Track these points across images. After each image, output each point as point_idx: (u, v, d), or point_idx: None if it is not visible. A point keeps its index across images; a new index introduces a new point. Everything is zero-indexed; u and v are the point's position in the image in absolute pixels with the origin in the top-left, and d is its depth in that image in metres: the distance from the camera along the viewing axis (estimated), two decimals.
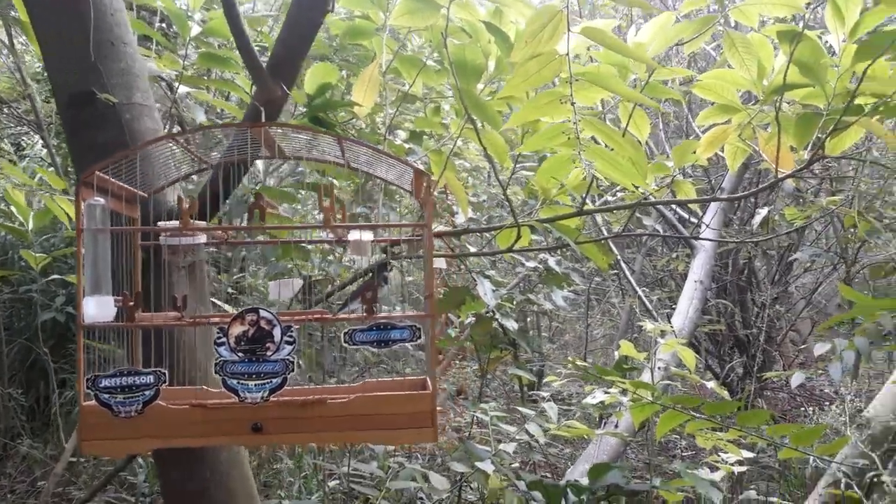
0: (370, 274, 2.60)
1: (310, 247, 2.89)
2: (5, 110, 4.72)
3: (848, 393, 2.80)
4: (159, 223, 1.37)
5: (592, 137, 1.76)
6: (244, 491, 1.74)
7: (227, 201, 1.66)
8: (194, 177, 1.49)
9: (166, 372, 1.14)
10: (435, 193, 3.12)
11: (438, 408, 1.19)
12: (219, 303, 2.40)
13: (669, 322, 3.53)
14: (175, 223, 1.32)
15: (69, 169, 4.58)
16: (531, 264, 3.19)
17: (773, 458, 3.94)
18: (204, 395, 1.22)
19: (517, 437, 2.74)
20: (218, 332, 1.14)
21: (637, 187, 1.96)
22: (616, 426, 3.13)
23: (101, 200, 1.17)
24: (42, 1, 1.61)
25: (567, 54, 1.39)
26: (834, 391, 5.42)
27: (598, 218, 3.60)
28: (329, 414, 1.17)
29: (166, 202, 1.58)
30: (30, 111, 4.05)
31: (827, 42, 2.05)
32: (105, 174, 1.21)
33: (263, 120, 1.30)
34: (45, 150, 5.11)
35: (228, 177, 1.50)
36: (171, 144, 1.24)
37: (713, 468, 2.63)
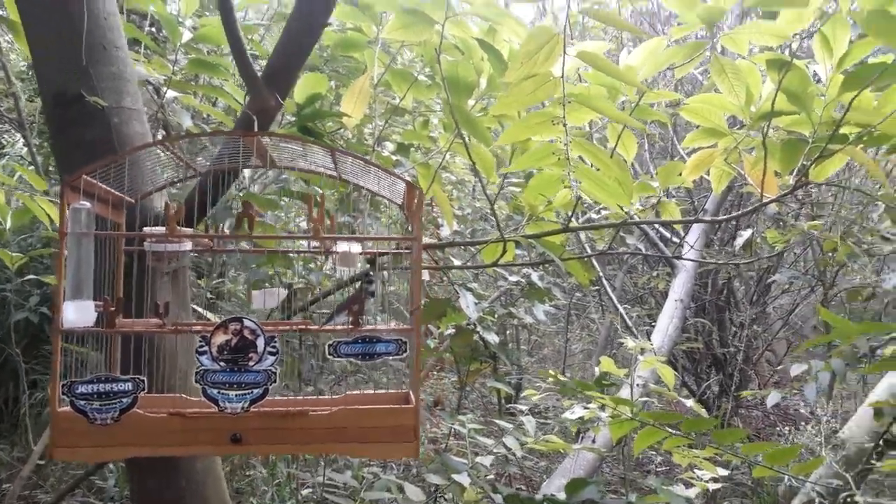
0: (355, 284, 2.60)
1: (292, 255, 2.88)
2: None
3: (824, 414, 2.83)
4: (144, 229, 1.36)
5: (580, 157, 1.77)
6: (218, 498, 1.73)
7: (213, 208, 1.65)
8: (179, 182, 1.47)
9: (145, 379, 1.13)
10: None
11: None
12: (199, 309, 2.38)
13: (649, 339, 3.55)
14: (161, 229, 1.31)
15: (50, 168, 4.53)
16: (514, 278, 3.19)
17: (747, 476, 3.97)
18: (183, 404, 1.21)
19: (494, 450, 2.74)
20: (200, 341, 1.13)
21: (622, 207, 1.98)
22: (593, 441, 3.14)
23: (87, 204, 1.16)
24: (35, 2, 1.60)
25: (562, 76, 1.40)
26: (809, 411, 5.48)
27: (582, 235, 3.62)
28: (310, 426, 1.16)
29: (152, 208, 1.57)
30: (12, 109, 4.00)
31: (814, 71, 2.09)
32: (92, 178, 1.19)
33: (256, 129, 1.29)
34: (25, 149, 5.05)
35: (216, 183, 1.50)
36: (159, 150, 1.23)
37: (688, 485, 2.65)
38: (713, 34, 1.96)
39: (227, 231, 1.41)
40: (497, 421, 2.99)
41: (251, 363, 1.13)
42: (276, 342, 1.14)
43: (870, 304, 4.77)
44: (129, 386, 1.12)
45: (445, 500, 3.18)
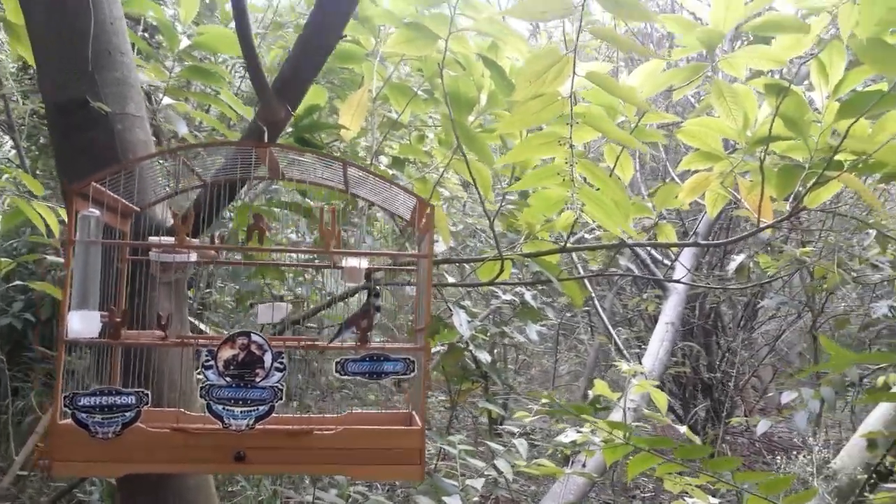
0: (347, 300, 2.58)
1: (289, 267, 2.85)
2: None
3: (816, 444, 2.83)
4: (150, 238, 1.33)
5: (582, 178, 1.77)
6: None
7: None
8: (185, 192, 1.45)
9: (149, 393, 1.10)
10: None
11: None
12: (195, 321, 2.35)
13: (640, 362, 3.55)
14: (168, 239, 1.29)
15: (38, 172, 4.48)
16: (507, 297, 3.18)
17: None
18: (185, 419, 1.18)
19: (486, 473, 2.71)
20: (206, 355, 1.10)
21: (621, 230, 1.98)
22: (583, 465, 3.11)
23: (96, 212, 1.13)
24: (39, 5, 1.58)
25: (571, 96, 1.40)
26: (794, 439, 5.48)
27: (575, 255, 3.63)
28: (314, 445, 1.13)
29: (154, 217, 1.54)
30: (1, 111, 3.95)
31: (810, 97, 2.10)
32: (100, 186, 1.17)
33: (266, 140, 1.28)
34: (13, 152, 4.99)
35: (219, 194, 1.48)
36: (162, 159, 1.22)
37: None
38: (712, 57, 1.97)
39: (217, 241, 1.39)
40: (488, 443, 2.96)
41: (258, 379, 1.11)
42: (283, 358, 1.12)
43: (853, 331, 4.81)
44: (132, 399, 1.09)
45: None
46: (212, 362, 1.10)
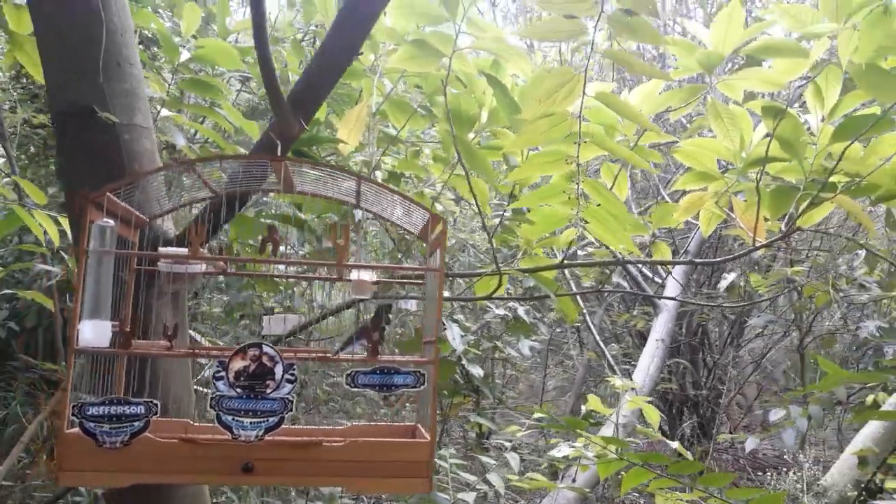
0: (342, 313, 2.57)
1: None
2: None
3: (806, 461, 2.86)
4: (162, 249, 1.33)
5: (585, 195, 1.78)
6: None
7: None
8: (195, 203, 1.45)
9: (158, 403, 1.10)
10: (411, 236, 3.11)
11: None
12: (194, 333, 2.34)
13: (631, 378, 3.57)
14: (176, 249, 1.29)
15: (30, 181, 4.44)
16: (500, 311, 3.20)
17: None
18: (193, 430, 1.18)
19: (477, 487, 2.71)
20: (217, 366, 1.10)
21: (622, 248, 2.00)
22: (574, 480, 3.12)
23: (111, 222, 1.13)
24: (51, 15, 1.58)
25: (580, 116, 1.42)
26: (778, 456, 5.52)
27: (567, 271, 3.65)
28: (322, 458, 1.13)
29: (157, 228, 1.54)
30: None
31: (804, 120, 2.14)
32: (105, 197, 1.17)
33: (282, 153, 1.29)
34: (1, 161, 4.96)
35: (221, 207, 1.48)
36: (172, 171, 1.22)
37: None
38: (711, 79, 2.00)
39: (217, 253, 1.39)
40: (479, 457, 2.97)
41: (268, 390, 1.11)
42: (294, 370, 1.12)
43: (836, 349, 4.86)
44: (141, 409, 1.09)
45: None
46: (223, 373, 1.10)
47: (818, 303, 3.06)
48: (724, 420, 5.66)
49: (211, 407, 1.10)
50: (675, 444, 2.53)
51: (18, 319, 4.67)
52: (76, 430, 1.09)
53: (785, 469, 3.15)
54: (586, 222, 1.70)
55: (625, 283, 3.92)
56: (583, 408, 2.71)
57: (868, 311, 4.12)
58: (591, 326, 3.88)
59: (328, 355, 1.22)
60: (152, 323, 1.39)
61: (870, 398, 2.55)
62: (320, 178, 1.37)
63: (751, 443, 3.25)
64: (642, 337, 5.13)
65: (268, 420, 1.10)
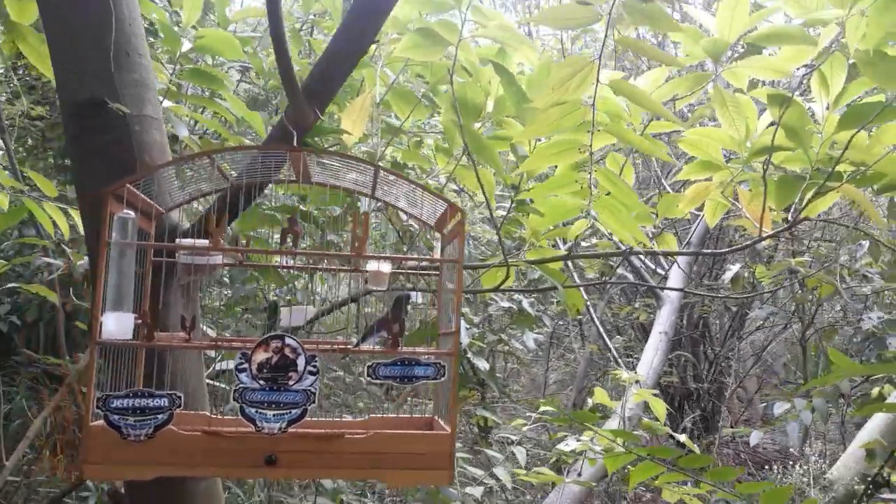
0: (342, 307, 2.56)
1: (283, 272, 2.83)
2: None
3: (812, 454, 2.87)
4: (183, 240, 1.33)
5: (593, 185, 1.78)
6: None
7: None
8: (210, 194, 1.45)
9: (181, 395, 1.10)
10: (417, 227, 3.11)
11: None
12: (205, 328, 2.33)
13: (634, 371, 3.57)
14: (192, 241, 1.28)
15: (25, 175, 4.42)
16: (505, 304, 3.20)
17: None
18: (215, 423, 1.17)
19: (484, 481, 2.71)
20: (240, 358, 1.10)
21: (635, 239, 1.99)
22: (579, 474, 3.12)
23: (132, 214, 1.13)
24: (59, 5, 1.57)
25: (593, 104, 1.42)
26: (778, 450, 5.54)
27: (571, 263, 3.65)
28: (345, 450, 1.13)
29: (170, 219, 1.53)
30: None
31: (810, 108, 2.14)
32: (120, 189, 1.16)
33: (297, 143, 1.28)
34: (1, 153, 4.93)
35: (235, 198, 1.47)
36: (203, 162, 1.21)
37: None
38: (717, 66, 1.99)
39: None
40: (486, 451, 2.97)
41: (291, 382, 1.10)
42: (316, 361, 1.11)
43: (835, 342, 4.88)
44: (165, 402, 1.08)
45: None
46: (245, 365, 1.10)
47: (822, 294, 3.07)
48: (726, 414, 5.68)
49: (234, 400, 1.10)
50: (683, 438, 2.54)
51: (20, 314, 4.66)
52: (100, 422, 1.08)
53: (791, 463, 3.16)
54: (598, 213, 1.70)
55: (628, 275, 3.92)
56: (589, 401, 2.71)
57: (869, 302, 4.13)
58: (595, 319, 3.88)
59: (349, 347, 1.21)
60: (168, 315, 1.38)
61: (875, 391, 2.55)
62: (325, 169, 1.36)
63: (755, 437, 3.27)
64: (644, 329, 5.14)
65: (291, 412, 1.10)
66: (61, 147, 4.93)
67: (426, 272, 2.09)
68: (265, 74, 3.46)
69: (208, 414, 1.26)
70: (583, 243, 3.19)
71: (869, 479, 2.41)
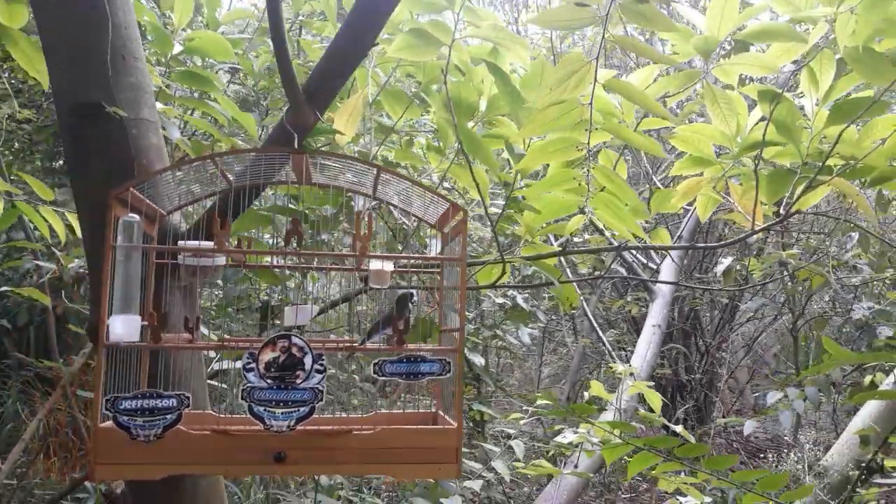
0: (338, 306, 2.57)
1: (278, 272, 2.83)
2: None
3: (807, 442, 2.91)
4: (179, 242, 1.33)
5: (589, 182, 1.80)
6: None
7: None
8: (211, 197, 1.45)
9: (189, 396, 1.11)
10: (412, 224, 3.12)
11: None
12: (204, 330, 2.33)
13: (629, 364, 3.60)
14: (195, 243, 1.29)
15: (12, 178, 4.40)
16: (500, 300, 3.22)
17: None
18: (223, 421, 1.18)
19: (482, 474, 2.73)
20: (248, 358, 1.11)
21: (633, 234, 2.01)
22: (575, 466, 3.15)
23: (137, 217, 1.13)
24: (55, 10, 1.57)
25: (590, 103, 1.43)
26: (770, 439, 5.60)
27: (563, 258, 3.67)
28: (353, 445, 1.15)
29: (169, 222, 1.54)
30: None
31: (800, 104, 2.16)
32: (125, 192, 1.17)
33: (298, 145, 1.29)
34: None
35: (233, 199, 1.48)
36: (205, 165, 1.22)
37: None
38: (707, 64, 2.01)
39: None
40: (483, 444, 2.99)
41: (298, 381, 1.12)
42: (323, 360, 1.13)
43: (825, 332, 4.93)
44: (173, 402, 1.09)
45: None
46: (253, 364, 1.11)
47: (813, 285, 3.11)
48: (719, 405, 5.73)
49: (242, 399, 1.11)
50: (679, 429, 2.57)
51: (10, 317, 4.64)
52: (109, 423, 1.09)
53: (785, 451, 3.20)
54: (594, 209, 1.71)
55: (621, 270, 3.95)
56: (586, 394, 2.74)
57: (858, 293, 4.18)
58: (588, 313, 3.91)
59: (355, 345, 1.22)
60: (169, 317, 1.39)
61: (867, 379, 2.59)
62: (323, 170, 1.37)
63: (748, 426, 3.30)
64: (635, 323, 5.18)
65: (299, 410, 1.11)
66: (49, 150, 4.90)
67: (422, 270, 2.11)
68: (255, 76, 3.46)
69: (214, 413, 1.27)
70: (575, 239, 3.21)
71: (863, 464, 2.44)
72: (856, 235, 3.15)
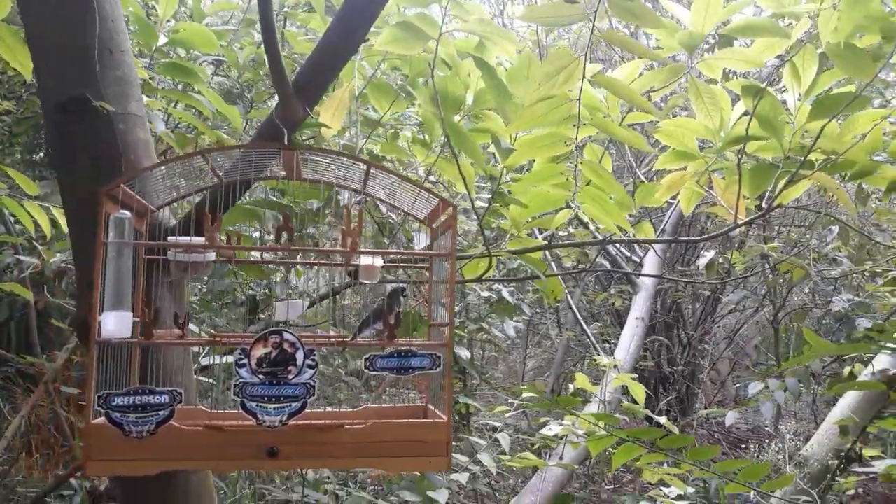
0: (324, 301, 2.57)
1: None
2: None
3: (788, 433, 2.95)
4: (179, 238, 1.33)
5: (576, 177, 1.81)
6: None
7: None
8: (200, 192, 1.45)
9: (182, 392, 1.11)
10: (397, 218, 3.13)
11: None
12: (193, 327, 2.32)
13: (613, 357, 3.64)
14: (186, 239, 1.29)
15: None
16: (485, 294, 3.23)
17: (699, 494, 4.09)
18: (217, 417, 1.19)
19: (468, 467, 2.75)
20: (239, 353, 1.11)
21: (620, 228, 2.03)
22: (561, 457, 3.18)
23: (128, 214, 1.13)
24: (42, 3, 1.55)
25: (579, 99, 1.44)
26: (750, 430, 5.66)
27: (548, 252, 3.70)
28: (344, 440, 1.15)
29: (157, 217, 1.53)
30: None
31: (783, 99, 2.19)
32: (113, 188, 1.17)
33: (287, 139, 1.29)
34: None
35: (225, 194, 1.47)
36: (185, 161, 1.22)
37: (653, 501, 2.71)
38: (692, 59, 2.03)
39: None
40: (469, 437, 3.01)
41: (290, 376, 1.12)
42: (315, 355, 1.13)
43: (805, 323, 5.00)
44: (166, 398, 1.09)
45: None
46: (245, 360, 1.11)
47: (794, 277, 3.15)
48: (701, 396, 5.79)
49: (235, 394, 1.11)
50: (663, 420, 2.60)
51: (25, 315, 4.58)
52: (101, 420, 1.09)
53: (766, 441, 3.25)
54: (581, 203, 1.73)
55: (605, 263, 3.98)
56: (570, 386, 2.76)
57: (838, 285, 4.25)
58: (573, 306, 3.94)
59: (346, 340, 1.23)
60: (160, 313, 1.39)
61: (847, 370, 2.63)
62: (311, 165, 1.37)
63: (730, 417, 3.35)
64: (619, 316, 5.22)
65: (291, 405, 1.12)
66: (29, 143, 4.84)
67: (410, 265, 2.11)
68: (240, 68, 3.44)
69: (205, 408, 1.27)
70: (560, 233, 3.23)
71: (842, 454, 2.49)
72: (836, 229, 3.20)
